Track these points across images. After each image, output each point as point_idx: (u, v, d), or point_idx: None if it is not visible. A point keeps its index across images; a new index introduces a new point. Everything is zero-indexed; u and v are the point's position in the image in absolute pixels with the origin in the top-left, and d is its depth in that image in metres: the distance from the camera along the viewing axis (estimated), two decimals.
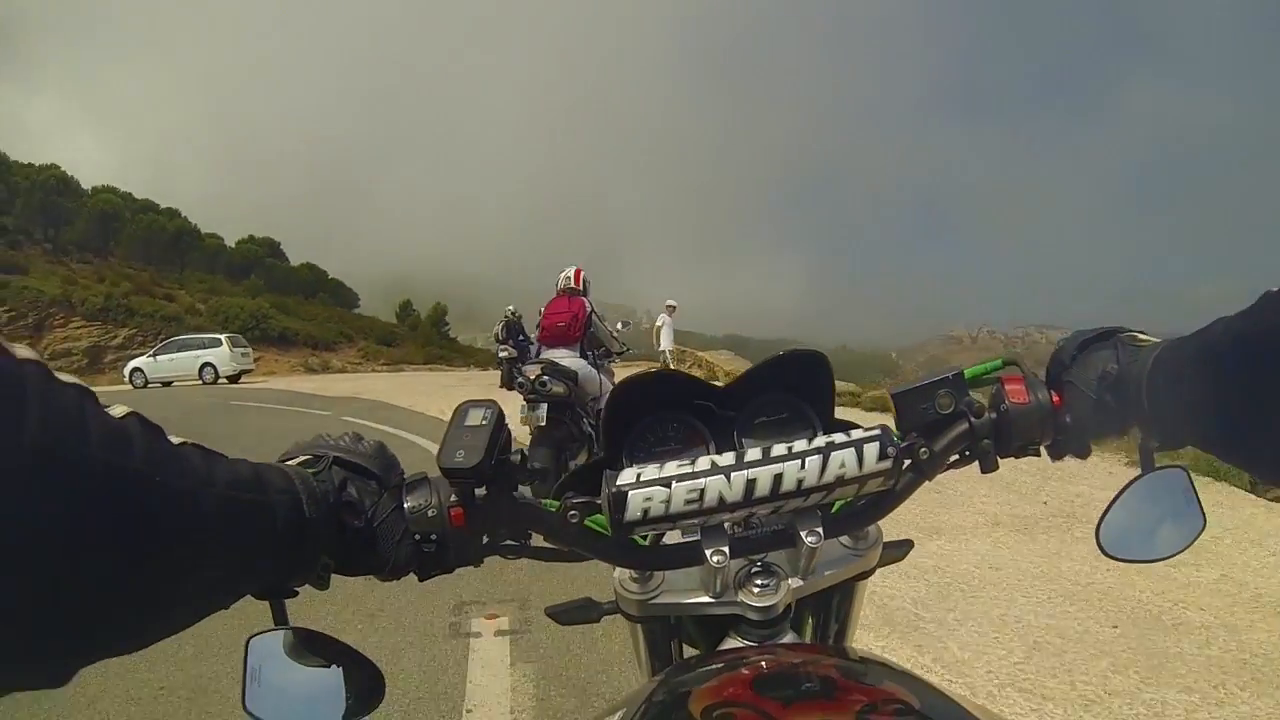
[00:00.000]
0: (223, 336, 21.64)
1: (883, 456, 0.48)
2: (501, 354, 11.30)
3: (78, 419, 0.29)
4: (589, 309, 4.56)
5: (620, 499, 0.48)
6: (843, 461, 0.48)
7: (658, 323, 13.83)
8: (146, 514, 0.31)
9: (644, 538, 0.54)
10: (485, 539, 0.52)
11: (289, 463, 0.47)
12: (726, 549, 0.50)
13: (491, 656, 2.40)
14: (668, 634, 0.61)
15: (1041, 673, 2.20)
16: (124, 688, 2.21)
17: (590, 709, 2.06)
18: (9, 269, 28.39)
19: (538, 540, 0.55)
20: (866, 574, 0.60)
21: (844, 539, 0.58)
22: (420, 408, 10.60)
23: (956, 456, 0.54)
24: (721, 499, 0.48)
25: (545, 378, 4.06)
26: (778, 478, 0.48)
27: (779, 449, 0.49)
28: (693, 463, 0.49)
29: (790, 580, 0.53)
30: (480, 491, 0.49)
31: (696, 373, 8.43)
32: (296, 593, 0.46)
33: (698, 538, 0.51)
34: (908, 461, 0.52)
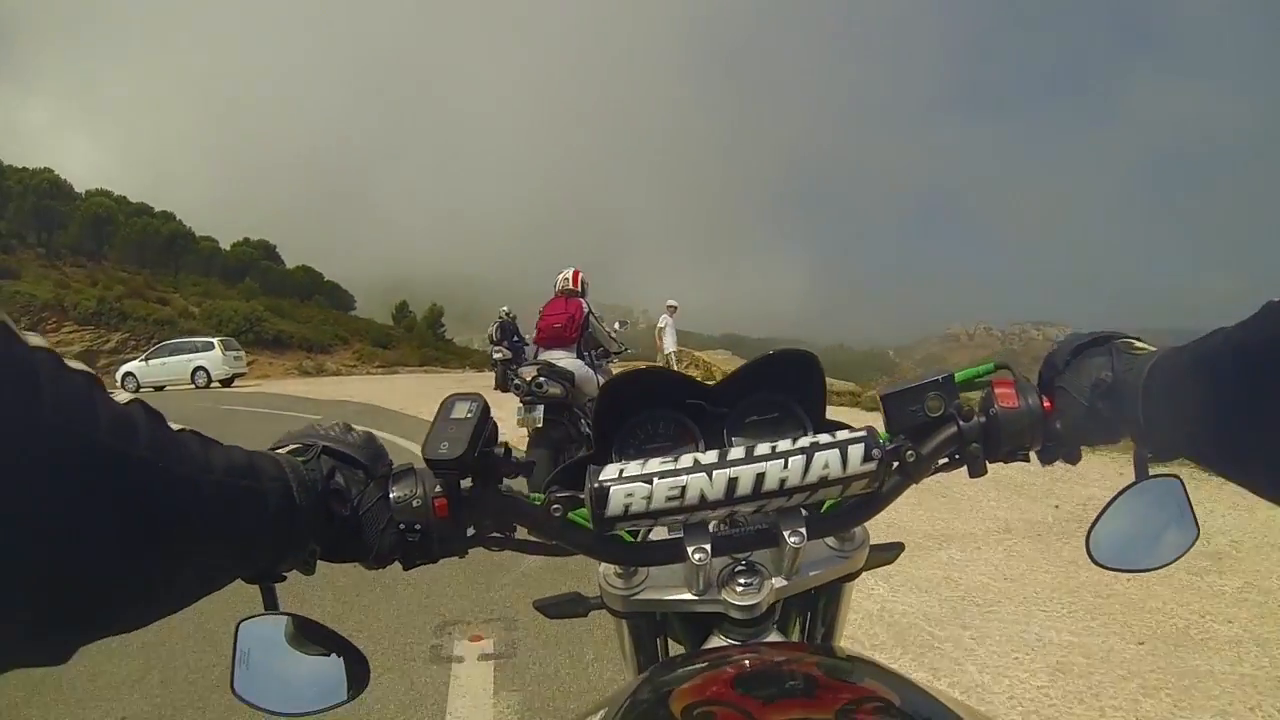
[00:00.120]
0: (215, 340, 21.28)
1: (867, 458, 0.48)
2: (496, 355, 11.14)
3: (88, 404, 0.30)
4: (586, 310, 4.53)
5: (602, 494, 0.48)
6: (826, 462, 0.48)
7: (660, 324, 13.36)
8: (150, 499, 0.32)
9: (630, 534, 0.55)
10: (470, 531, 0.52)
11: (279, 451, 0.47)
12: (708, 546, 0.50)
13: (474, 684, 2.24)
14: (653, 631, 0.61)
15: (1068, 698, 2.05)
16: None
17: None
18: (1, 273, 28.17)
19: (522, 533, 0.54)
20: (853, 576, 0.60)
21: (830, 540, 0.58)
22: (412, 410, 10.43)
23: (944, 460, 0.53)
24: (703, 496, 0.47)
25: (542, 379, 4.04)
26: (760, 477, 0.48)
27: (763, 448, 0.49)
28: (676, 460, 0.49)
29: (774, 580, 0.53)
30: (465, 483, 0.49)
31: (693, 372, 8.30)
32: (285, 578, 0.46)
33: (680, 535, 0.51)
34: (895, 464, 0.52)
